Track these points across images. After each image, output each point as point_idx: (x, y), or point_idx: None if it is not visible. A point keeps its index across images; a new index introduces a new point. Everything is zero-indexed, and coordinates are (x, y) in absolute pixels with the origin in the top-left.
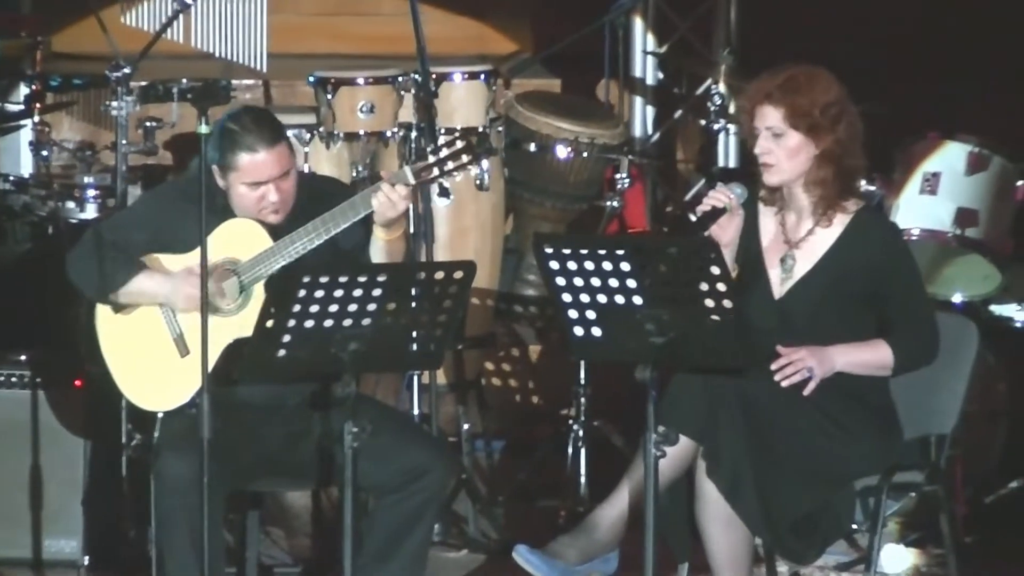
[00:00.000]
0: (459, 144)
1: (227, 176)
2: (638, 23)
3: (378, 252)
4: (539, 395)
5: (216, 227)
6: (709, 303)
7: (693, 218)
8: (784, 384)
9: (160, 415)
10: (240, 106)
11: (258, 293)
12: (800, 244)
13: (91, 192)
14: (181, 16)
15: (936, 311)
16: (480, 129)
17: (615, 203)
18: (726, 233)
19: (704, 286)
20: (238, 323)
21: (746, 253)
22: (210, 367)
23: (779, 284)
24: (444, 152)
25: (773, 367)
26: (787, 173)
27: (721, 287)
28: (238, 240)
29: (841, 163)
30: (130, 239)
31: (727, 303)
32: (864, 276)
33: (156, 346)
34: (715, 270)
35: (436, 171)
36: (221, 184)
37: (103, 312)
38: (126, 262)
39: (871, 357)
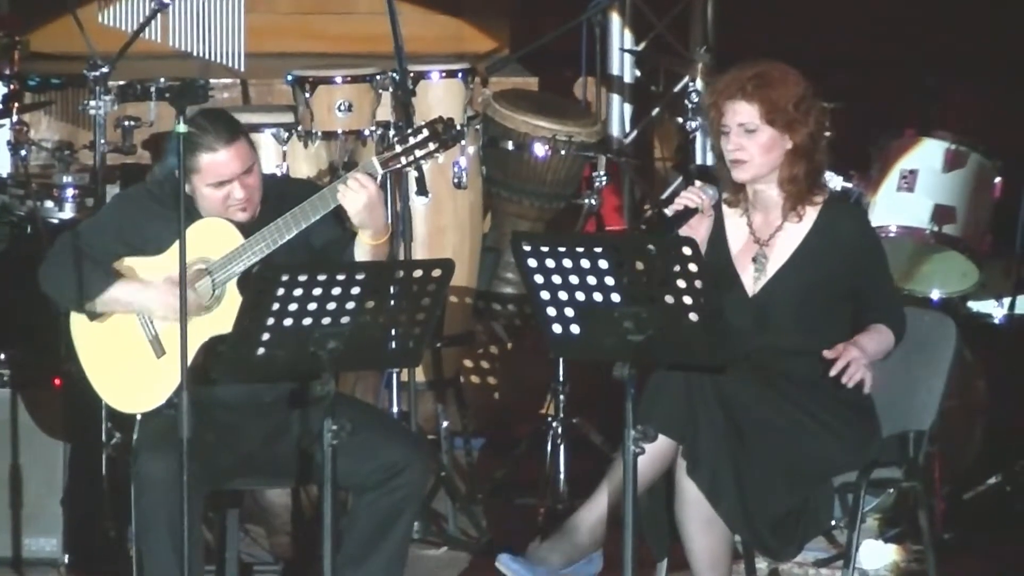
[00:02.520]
0: (425, 132)
1: (191, 179)
2: (615, 21)
3: (363, 256)
4: (518, 393)
5: (186, 227)
6: (687, 300)
7: (668, 213)
8: (851, 384)
9: (139, 416)
10: (196, 110)
11: (231, 291)
12: (770, 241)
13: (69, 192)
14: (158, 15)
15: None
16: (446, 117)
17: (592, 201)
18: (696, 233)
19: (682, 283)
20: (213, 321)
21: (715, 262)
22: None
23: (753, 283)
24: (411, 141)
25: (833, 373)
26: (759, 168)
27: (699, 284)
28: (209, 239)
29: (812, 158)
30: (101, 246)
31: (705, 300)
32: (838, 265)
33: (132, 348)
34: (693, 267)
35: (404, 160)
36: (186, 189)
37: (78, 316)
38: (100, 272)
39: (885, 343)
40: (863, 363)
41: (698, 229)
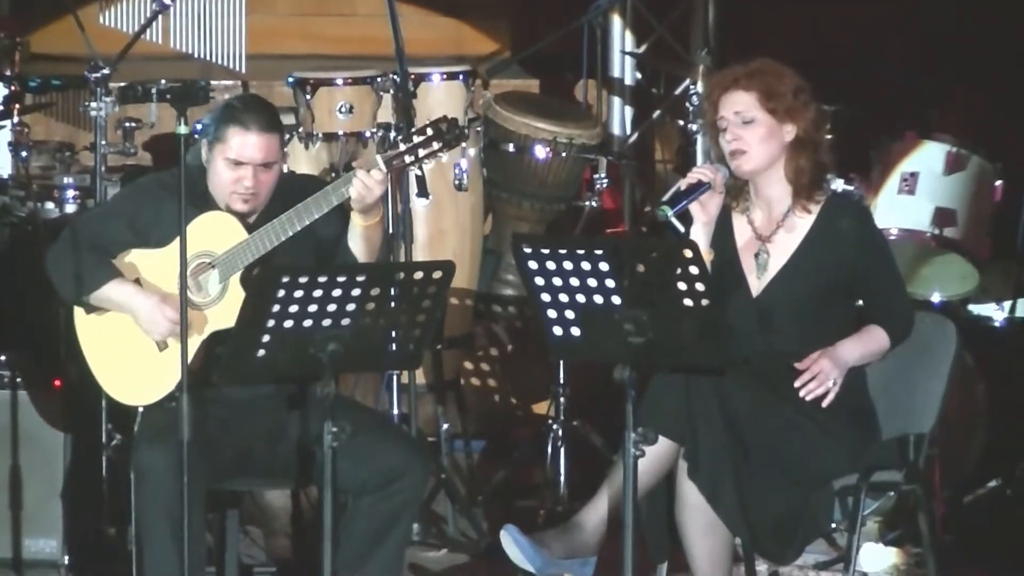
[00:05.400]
0: (430, 132)
1: (213, 148)
2: (616, 23)
3: (356, 239)
4: (518, 395)
5: (194, 219)
6: (688, 303)
7: (681, 187)
8: (809, 398)
9: (140, 408)
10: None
11: (235, 286)
12: (772, 238)
13: (70, 193)
14: (159, 17)
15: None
16: (451, 116)
17: (593, 203)
18: (706, 210)
19: (683, 286)
20: (216, 315)
21: (722, 254)
22: (189, 360)
23: (756, 280)
24: (416, 139)
25: (797, 384)
26: (759, 159)
27: (700, 287)
28: (213, 233)
29: (816, 150)
30: (109, 232)
31: (705, 303)
32: (839, 263)
33: (135, 341)
34: (694, 270)
35: (408, 158)
36: (204, 158)
37: (81, 308)
38: (100, 266)
39: (874, 345)
40: (832, 376)
41: (708, 206)
